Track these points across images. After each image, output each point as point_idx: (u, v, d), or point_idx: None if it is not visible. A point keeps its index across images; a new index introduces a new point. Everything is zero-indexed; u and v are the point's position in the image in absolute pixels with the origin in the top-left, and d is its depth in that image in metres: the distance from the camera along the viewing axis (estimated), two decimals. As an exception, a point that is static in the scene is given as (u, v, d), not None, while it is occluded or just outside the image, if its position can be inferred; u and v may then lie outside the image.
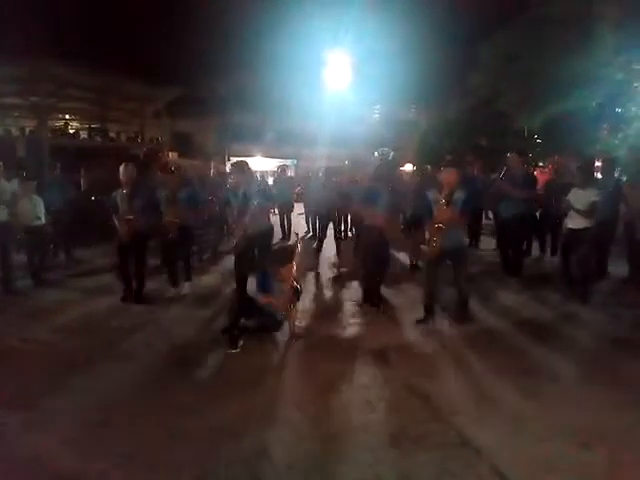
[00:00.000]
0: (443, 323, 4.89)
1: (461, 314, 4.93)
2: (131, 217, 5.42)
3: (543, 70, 14.98)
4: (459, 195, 4.62)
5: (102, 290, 6.24)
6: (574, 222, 5.55)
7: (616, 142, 14.59)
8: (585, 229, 5.45)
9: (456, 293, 4.96)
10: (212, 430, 2.91)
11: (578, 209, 5.43)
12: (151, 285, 6.09)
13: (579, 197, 5.48)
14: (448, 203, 4.57)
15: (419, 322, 4.83)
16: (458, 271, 4.87)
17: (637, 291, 5.92)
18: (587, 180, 5.61)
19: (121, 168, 5.55)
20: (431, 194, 4.82)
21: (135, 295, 5.71)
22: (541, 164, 18.19)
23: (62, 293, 6.20)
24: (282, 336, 4.51)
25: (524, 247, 7.40)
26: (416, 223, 6.28)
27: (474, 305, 5.27)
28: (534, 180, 7.01)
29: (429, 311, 4.86)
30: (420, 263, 6.78)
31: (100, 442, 2.82)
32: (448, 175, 4.71)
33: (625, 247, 6.52)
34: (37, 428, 2.94)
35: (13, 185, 6.60)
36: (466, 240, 6.75)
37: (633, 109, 14.81)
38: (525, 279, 6.53)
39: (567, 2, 13.80)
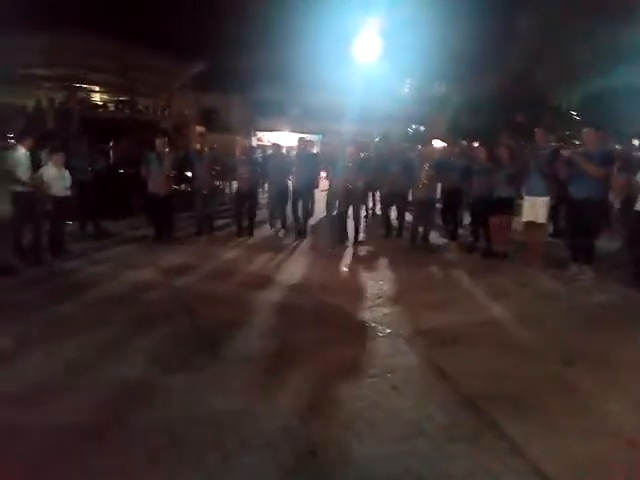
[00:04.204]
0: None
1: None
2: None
3: (584, 41, 14.18)
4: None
5: (129, 260, 6.32)
6: None
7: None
8: None
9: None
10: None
11: None
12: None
13: None
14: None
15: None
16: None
17: None
18: None
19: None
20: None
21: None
22: (577, 142, 17.47)
23: (91, 264, 6.27)
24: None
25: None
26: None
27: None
28: (612, 157, 6.10)
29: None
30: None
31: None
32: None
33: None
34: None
35: (41, 156, 6.65)
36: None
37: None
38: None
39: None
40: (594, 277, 5.75)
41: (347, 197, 7.82)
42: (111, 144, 10.91)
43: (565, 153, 6.31)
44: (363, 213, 8.55)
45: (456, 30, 17.62)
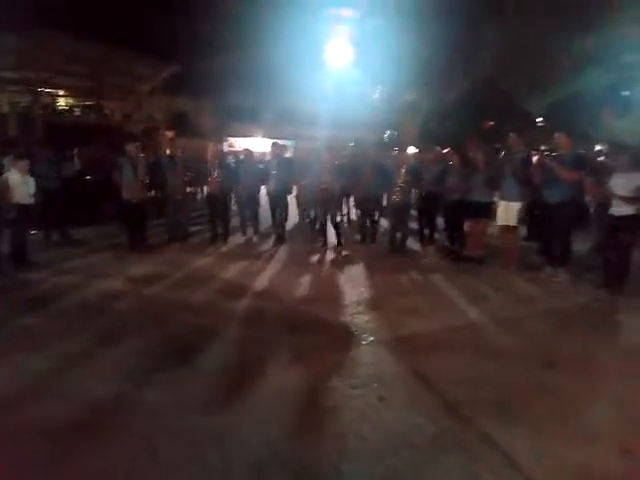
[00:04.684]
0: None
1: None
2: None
3: (550, 49, 14.61)
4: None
5: (99, 270, 6.08)
6: (617, 209, 5.32)
7: (621, 126, 14.31)
8: (630, 217, 5.20)
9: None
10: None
11: (622, 195, 5.19)
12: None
13: (622, 182, 5.23)
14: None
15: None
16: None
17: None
18: (633, 164, 5.30)
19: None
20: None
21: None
22: (543, 147, 17.95)
23: (57, 274, 6.00)
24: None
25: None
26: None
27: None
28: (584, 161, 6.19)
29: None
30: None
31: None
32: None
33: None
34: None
35: (4, 163, 6.37)
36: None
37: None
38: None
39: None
40: (568, 279, 5.85)
41: (325, 202, 7.79)
42: (77, 150, 10.56)
43: (536, 158, 6.41)
44: (339, 218, 8.51)
45: (425, 38, 17.92)
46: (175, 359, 3.58)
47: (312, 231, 8.74)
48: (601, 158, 7.71)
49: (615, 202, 5.37)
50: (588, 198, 6.98)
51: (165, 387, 3.16)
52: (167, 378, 3.29)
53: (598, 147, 9.63)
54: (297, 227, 9.39)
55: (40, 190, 6.60)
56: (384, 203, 8.47)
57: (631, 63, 13.74)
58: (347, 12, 16.38)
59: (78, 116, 12.33)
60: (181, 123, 19.89)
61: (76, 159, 8.73)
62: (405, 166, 7.55)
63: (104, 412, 2.87)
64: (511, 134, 6.63)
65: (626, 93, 14.92)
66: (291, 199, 8.78)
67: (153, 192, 8.92)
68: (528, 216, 7.25)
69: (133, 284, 5.62)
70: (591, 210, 7.20)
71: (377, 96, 25.06)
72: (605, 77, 14.22)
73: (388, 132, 24.40)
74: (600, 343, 4.03)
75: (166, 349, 3.78)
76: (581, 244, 6.84)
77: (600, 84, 14.47)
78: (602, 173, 5.97)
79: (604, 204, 5.83)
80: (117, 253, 7.24)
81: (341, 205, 9.47)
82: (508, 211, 6.34)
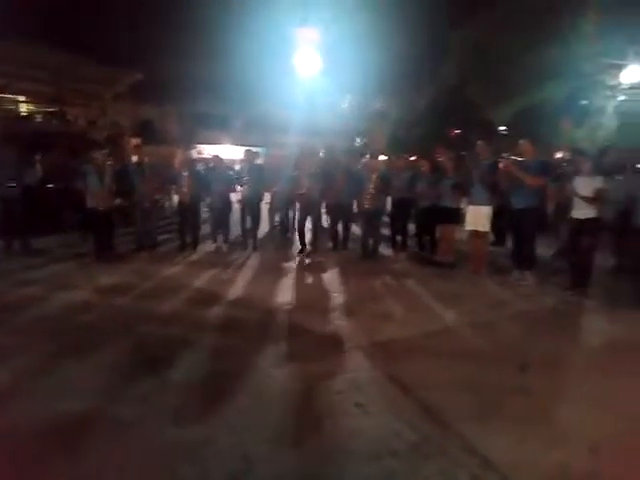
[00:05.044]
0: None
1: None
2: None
3: (512, 61, 15.10)
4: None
5: (63, 280, 5.84)
6: (579, 212, 5.52)
7: (580, 134, 14.91)
8: (592, 220, 5.41)
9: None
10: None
11: (584, 196, 5.40)
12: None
13: (584, 185, 5.43)
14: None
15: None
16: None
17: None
18: (594, 170, 5.55)
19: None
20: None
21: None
22: (505, 155, 18.45)
23: (19, 285, 5.72)
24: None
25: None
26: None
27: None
28: (548, 167, 6.45)
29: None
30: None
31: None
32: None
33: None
34: None
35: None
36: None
37: (597, 102, 15.14)
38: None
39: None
40: (535, 283, 6.00)
41: (305, 207, 7.86)
42: (38, 157, 10.19)
43: (501, 164, 6.59)
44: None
45: (392, 47, 18.24)
46: (146, 371, 3.44)
47: (283, 237, 8.71)
48: (564, 164, 7.99)
49: (577, 205, 5.57)
50: (549, 204, 7.22)
51: (136, 400, 3.04)
52: (138, 391, 3.16)
53: (559, 154, 9.98)
54: (268, 234, 9.31)
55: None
56: (355, 210, 8.52)
57: (588, 73, 14.35)
58: (312, 32, 16.42)
59: (40, 122, 11.91)
60: (147, 130, 19.51)
61: (38, 166, 8.41)
62: (376, 173, 7.61)
63: (70, 428, 2.72)
64: (479, 142, 6.78)
65: (584, 102, 15.56)
66: (263, 206, 8.73)
67: (119, 200, 8.69)
68: (495, 221, 7.43)
69: (99, 294, 5.41)
70: (549, 214, 7.47)
71: (346, 105, 25.30)
72: (565, 87, 14.80)
73: (358, 140, 24.68)
74: (569, 344, 4.14)
75: (136, 361, 3.64)
76: (546, 248, 7.05)
77: (560, 94, 15.05)
78: (565, 179, 6.19)
79: (564, 209, 6.04)
80: (81, 263, 6.98)
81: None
82: (477, 216, 6.46)
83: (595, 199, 5.36)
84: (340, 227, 8.31)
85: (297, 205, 8.72)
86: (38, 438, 2.63)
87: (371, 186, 7.46)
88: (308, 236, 8.05)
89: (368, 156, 11.02)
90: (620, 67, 13.66)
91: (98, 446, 2.57)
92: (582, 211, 5.51)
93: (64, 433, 2.68)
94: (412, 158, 10.34)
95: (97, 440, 2.62)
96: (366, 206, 7.60)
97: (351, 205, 8.23)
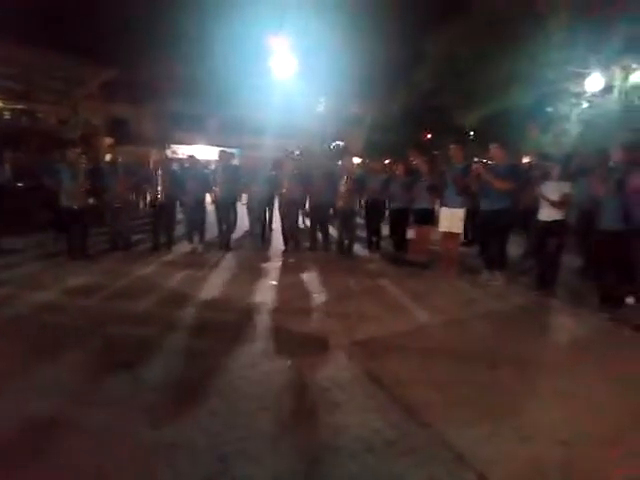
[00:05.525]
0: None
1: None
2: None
3: (480, 69, 15.48)
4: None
5: (34, 281, 5.71)
6: (546, 214, 5.71)
7: (546, 140, 15.38)
8: (558, 222, 5.61)
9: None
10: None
11: (552, 200, 5.59)
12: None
13: (552, 190, 5.63)
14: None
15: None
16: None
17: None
18: (562, 175, 5.74)
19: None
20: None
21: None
22: (476, 159, 18.88)
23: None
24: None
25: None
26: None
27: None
28: (517, 171, 6.62)
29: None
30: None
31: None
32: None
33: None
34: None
35: None
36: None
37: (562, 109, 15.63)
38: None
39: (506, 3, 14.31)
40: (504, 283, 6.18)
41: (289, 207, 8.07)
42: (8, 155, 9.91)
43: (473, 168, 6.77)
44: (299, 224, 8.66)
45: (368, 53, 18.47)
46: (119, 372, 3.40)
47: (261, 238, 8.73)
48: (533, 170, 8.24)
49: (544, 208, 5.78)
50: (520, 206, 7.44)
51: (109, 402, 3.01)
52: (111, 393, 3.13)
53: (526, 159, 10.29)
54: (246, 234, 9.30)
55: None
56: (331, 211, 8.62)
57: (553, 80, 14.81)
58: (284, 41, 16.41)
59: (9, 120, 11.57)
60: (121, 130, 19.17)
61: (6, 165, 8.20)
62: (349, 174, 7.77)
63: (42, 432, 2.67)
64: (452, 146, 6.94)
65: (549, 109, 16.07)
66: (240, 206, 8.74)
67: (92, 199, 8.54)
68: (466, 222, 7.62)
69: (71, 295, 5.32)
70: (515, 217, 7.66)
71: (322, 108, 25.44)
72: (531, 94, 15.26)
73: (335, 143, 24.84)
74: (538, 342, 4.30)
75: (109, 362, 3.59)
76: (514, 249, 7.26)
77: (527, 101, 15.51)
78: (534, 183, 6.40)
79: (531, 211, 6.26)
80: (53, 263, 6.84)
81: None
82: (452, 218, 6.63)
83: (562, 203, 5.58)
84: (319, 228, 8.40)
85: (275, 205, 8.82)
86: (8, 441, 2.58)
87: (344, 186, 7.62)
88: (288, 236, 8.24)
89: (344, 158, 11.16)
90: (584, 75, 14.17)
91: (71, 449, 2.53)
92: (549, 214, 5.72)
93: (35, 436, 2.64)
94: (386, 161, 10.51)
95: (70, 443, 2.59)
96: (340, 206, 7.76)
97: (330, 206, 8.32)
